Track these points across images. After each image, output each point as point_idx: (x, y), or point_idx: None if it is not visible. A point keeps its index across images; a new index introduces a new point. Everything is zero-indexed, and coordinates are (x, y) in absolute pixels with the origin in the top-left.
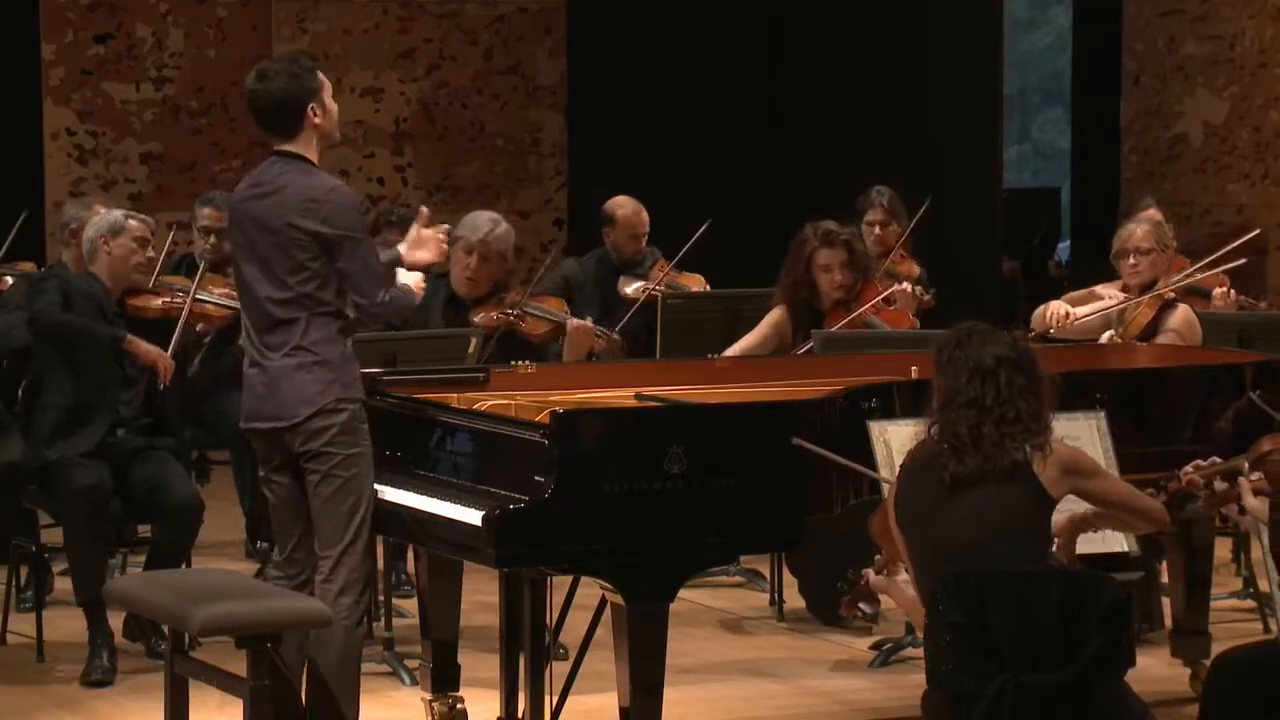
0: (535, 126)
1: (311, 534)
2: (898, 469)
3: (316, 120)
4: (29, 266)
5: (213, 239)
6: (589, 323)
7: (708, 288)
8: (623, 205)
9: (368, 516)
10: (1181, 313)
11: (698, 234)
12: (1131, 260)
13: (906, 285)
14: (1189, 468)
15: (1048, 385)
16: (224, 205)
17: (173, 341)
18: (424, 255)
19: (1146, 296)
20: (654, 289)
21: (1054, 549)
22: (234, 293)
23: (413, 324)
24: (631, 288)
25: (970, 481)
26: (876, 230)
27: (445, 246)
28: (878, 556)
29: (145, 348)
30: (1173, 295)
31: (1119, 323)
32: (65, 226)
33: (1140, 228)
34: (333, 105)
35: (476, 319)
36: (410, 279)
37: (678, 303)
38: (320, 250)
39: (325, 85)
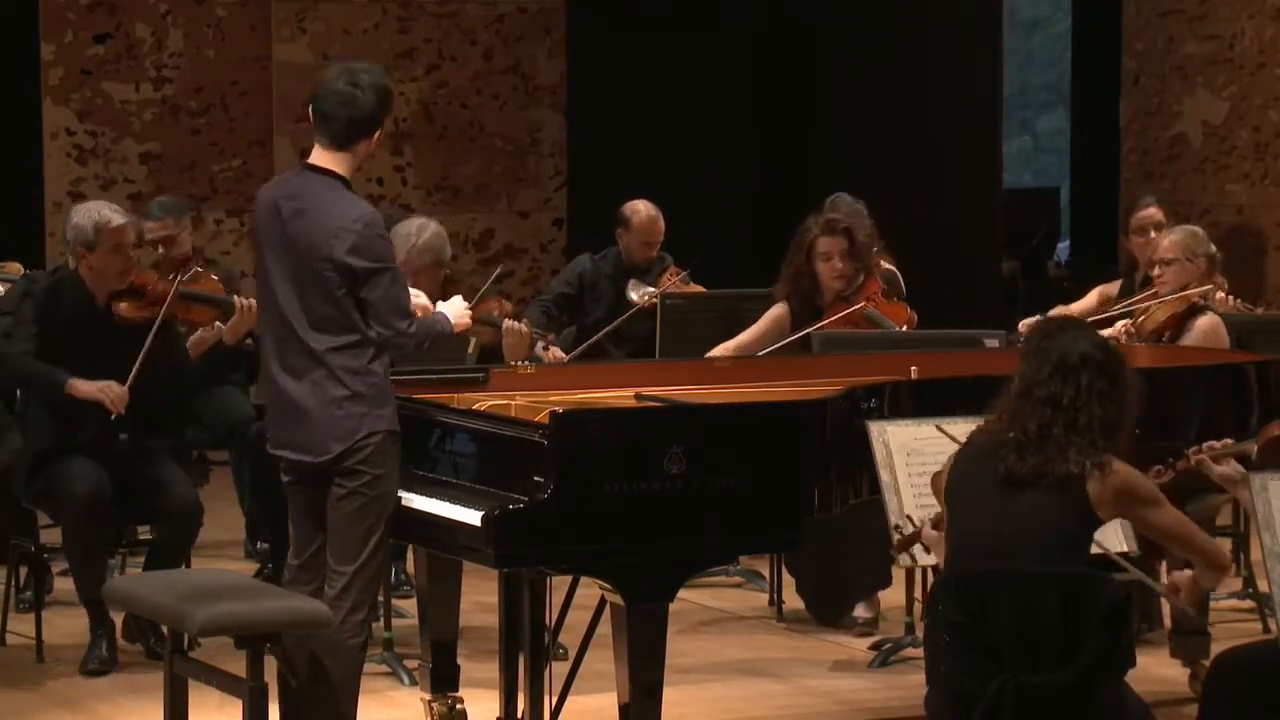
0: (535, 126)
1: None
2: (900, 463)
3: (366, 148)
4: (16, 268)
5: (160, 250)
6: (523, 325)
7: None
8: (639, 211)
9: (385, 539)
10: (1207, 320)
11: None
12: (1157, 271)
13: None
14: (1198, 447)
15: (1132, 394)
16: (163, 214)
17: (146, 344)
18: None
19: (1171, 296)
20: (655, 296)
21: (1178, 596)
22: (219, 288)
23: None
24: (637, 292)
25: (1023, 482)
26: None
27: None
28: (937, 509)
29: (84, 389)
30: (1200, 302)
31: (1137, 314)
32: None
33: (1169, 237)
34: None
35: None
36: (451, 308)
37: (677, 303)
38: (346, 280)
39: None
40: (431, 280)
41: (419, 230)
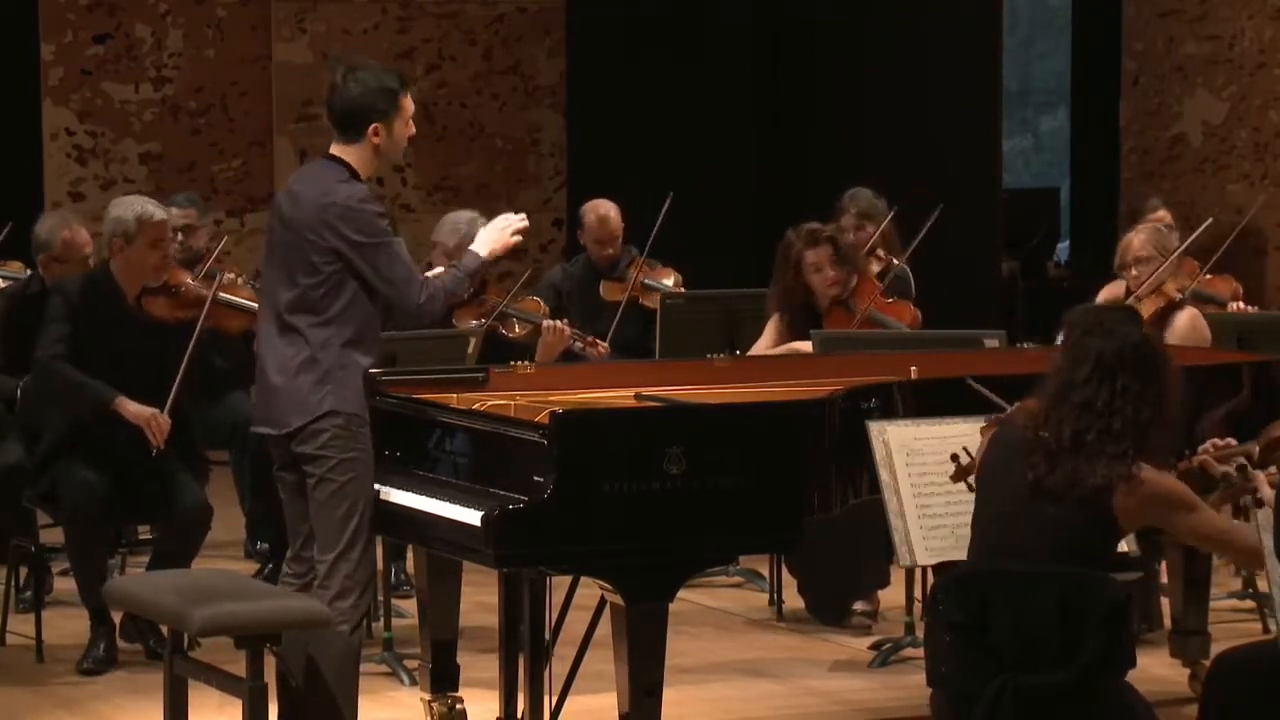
0: (535, 127)
1: None
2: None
3: (376, 140)
4: (16, 266)
5: (180, 237)
6: (563, 324)
7: (681, 282)
8: (589, 213)
9: (365, 522)
10: (1186, 317)
11: (661, 213)
12: (1134, 271)
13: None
14: (1204, 448)
15: (1173, 393)
16: (189, 205)
17: (186, 357)
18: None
19: (1145, 292)
20: (630, 289)
21: None
22: (254, 296)
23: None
24: (612, 292)
25: (1052, 495)
26: (851, 236)
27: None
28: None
29: (134, 410)
30: (1178, 297)
31: None
32: (44, 247)
33: (1138, 237)
34: (403, 131)
35: (458, 322)
36: (486, 232)
37: (678, 303)
38: (335, 256)
39: (404, 110)
40: None
41: (470, 223)
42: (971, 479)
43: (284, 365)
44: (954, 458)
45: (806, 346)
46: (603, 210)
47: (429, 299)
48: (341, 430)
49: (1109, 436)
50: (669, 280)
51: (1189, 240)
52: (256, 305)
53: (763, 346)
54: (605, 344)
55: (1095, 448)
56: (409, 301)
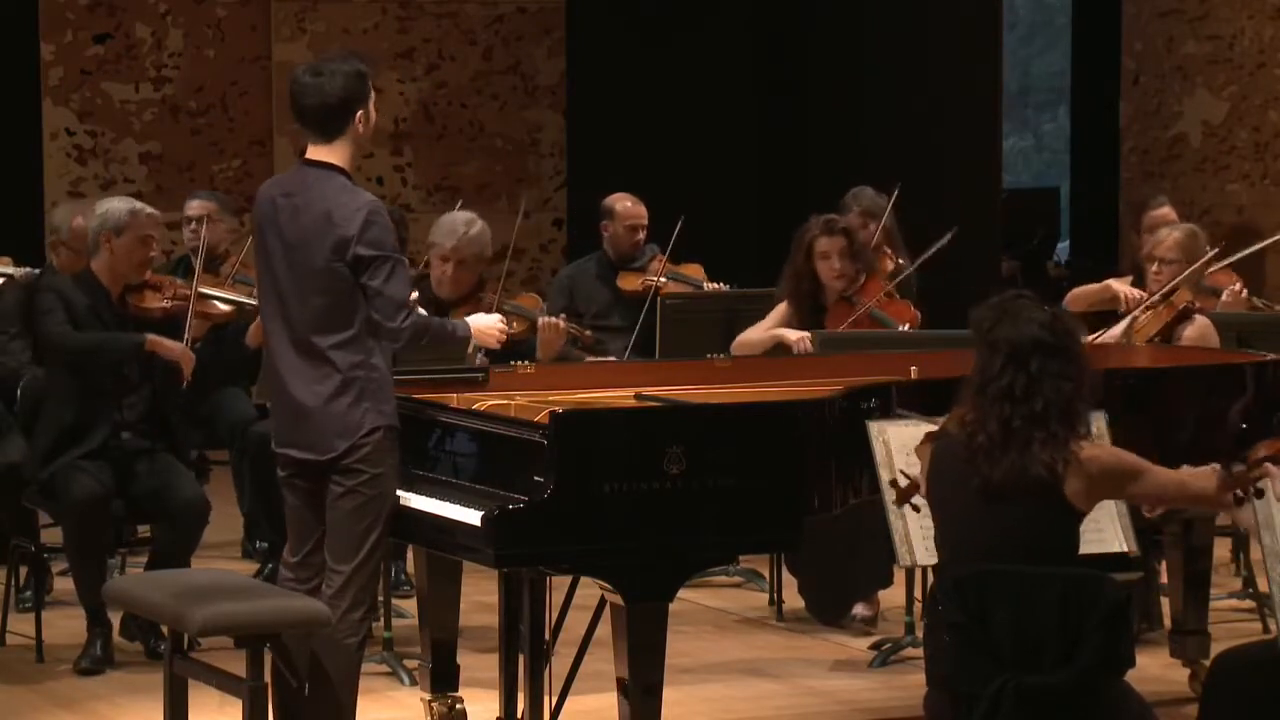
0: (534, 126)
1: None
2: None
3: (361, 128)
4: (7, 262)
5: (194, 225)
6: (559, 320)
7: (705, 276)
8: (622, 199)
9: (383, 537)
10: (1198, 326)
11: (674, 235)
12: (1155, 268)
13: None
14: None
15: (1085, 363)
16: (210, 199)
17: (184, 342)
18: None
19: (1153, 302)
20: (655, 281)
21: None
22: (234, 291)
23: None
24: (632, 283)
25: (1002, 494)
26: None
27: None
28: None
29: (169, 345)
30: (1188, 305)
31: (1128, 331)
32: (54, 231)
33: (1172, 236)
34: (374, 114)
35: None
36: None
37: (678, 302)
38: (351, 271)
39: (373, 93)
40: (471, 272)
41: (468, 223)
42: (915, 500)
43: (313, 388)
44: (893, 483)
45: (792, 335)
46: (633, 198)
47: (410, 326)
48: (379, 443)
49: (1034, 420)
50: (695, 275)
51: (1228, 260)
52: (242, 298)
53: (760, 328)
54: (590, 333)
55: (1025, 434)
56: (391, 321)
